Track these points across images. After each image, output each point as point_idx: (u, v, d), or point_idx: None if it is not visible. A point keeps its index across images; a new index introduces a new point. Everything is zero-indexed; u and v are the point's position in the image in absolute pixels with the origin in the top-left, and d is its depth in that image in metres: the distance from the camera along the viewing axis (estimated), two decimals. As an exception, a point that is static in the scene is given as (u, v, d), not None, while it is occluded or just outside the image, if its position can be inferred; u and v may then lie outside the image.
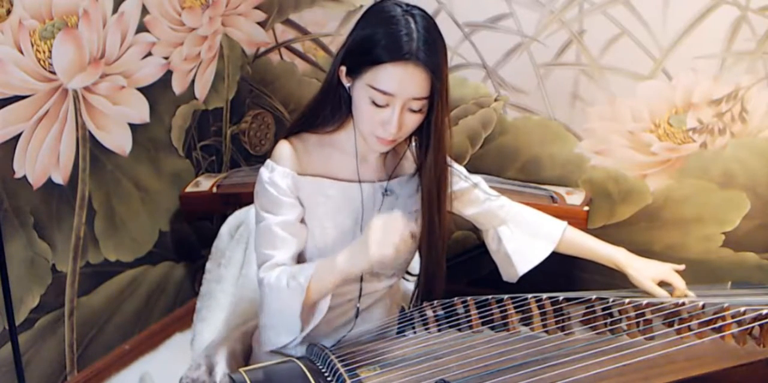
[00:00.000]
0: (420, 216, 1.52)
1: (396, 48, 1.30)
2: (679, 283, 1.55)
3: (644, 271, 1.56)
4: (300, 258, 1.48)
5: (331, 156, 1.47)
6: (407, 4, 1.36)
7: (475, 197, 1.61)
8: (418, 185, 1.51)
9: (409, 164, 1.54)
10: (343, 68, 1.38)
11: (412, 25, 1.31)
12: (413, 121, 1.36)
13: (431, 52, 1.31)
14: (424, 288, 1.54)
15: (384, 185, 1.50)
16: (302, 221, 1.46)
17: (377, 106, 1.33)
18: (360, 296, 1.51)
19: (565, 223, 1.65)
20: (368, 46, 1.32)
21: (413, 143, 1.52)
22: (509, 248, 1.62)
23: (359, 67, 1.34)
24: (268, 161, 1.46)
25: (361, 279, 1.51)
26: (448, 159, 1.59)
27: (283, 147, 1.45)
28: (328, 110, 1.44)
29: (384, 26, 1.32)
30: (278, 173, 1.43)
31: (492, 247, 1.67)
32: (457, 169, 1.60)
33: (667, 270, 1.57)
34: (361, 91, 1.35)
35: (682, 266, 1.60)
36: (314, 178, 1.45)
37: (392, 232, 1.27)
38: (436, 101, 1.35)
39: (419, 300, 1.55)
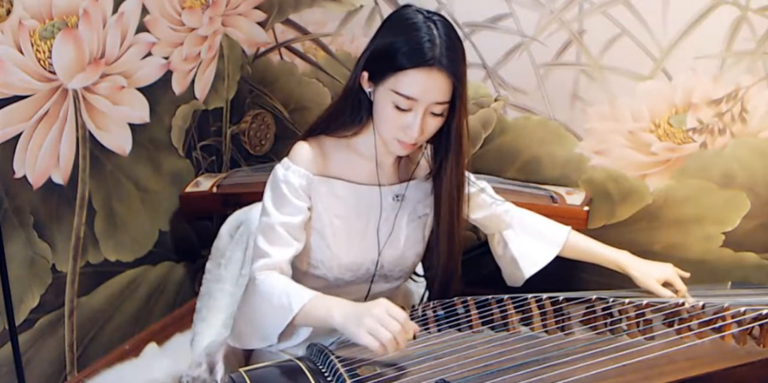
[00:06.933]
0: (429, 221, 1.53)
1: (419, 54, 1.31)
2: (680, 285, 1.56)
3: (649, 273, 1.57)
4: (309, 258, 1.49)
5: (348, 159, 1.48)
6: (428, 11, 1.37)
7: (482, 201, 1.62)
8: (428, 190, 1.52)
9: (420, 169, 1.55)
10: (365, 74, 1.39)
11: (434, 31, 1.32)
12: (434, 124, 1.37)
13: (453, 58, 1.32)
14: (441, 289, 1.55)
15: (395, 189, 1.51)
16: (307, 225, 1.46)
17: (400, 110, 1.34)
18: (367, 297, 1.51)
19: (569, 227, 1.66)
20: (391, 53, 1.33)
21: (427, 150, 1.53)
22: (515, 252, 1.63)
23: (382, 74, 1.35)
24: (285, 159, 1.47)
25: (372, 281, 1.51)
26: None
27: (302, 147, 1.46)
28: (348, 114, 1.45)
29: (406, 33, 1.33)
30: (293, 172, 1.44)
31: (498, 252, 1.68)
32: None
33: (670, 272, 1.58)
34: (383, 96, 1.36)
35: (687, 274, 1.60)
36: (329, 179, 1.46)
37: (390, 329, 1.20)
38: (458, 105, 1.36)
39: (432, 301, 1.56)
